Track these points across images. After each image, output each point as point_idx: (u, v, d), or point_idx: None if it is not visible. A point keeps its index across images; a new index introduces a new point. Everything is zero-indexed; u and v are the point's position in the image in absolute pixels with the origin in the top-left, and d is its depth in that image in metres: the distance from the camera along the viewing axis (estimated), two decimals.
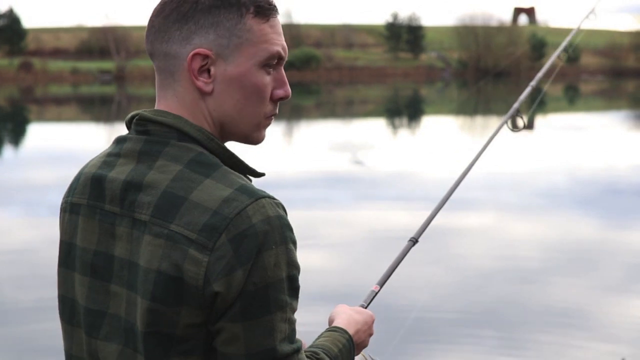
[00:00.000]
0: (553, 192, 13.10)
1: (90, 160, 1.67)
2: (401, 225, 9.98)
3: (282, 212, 1.48)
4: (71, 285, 1.61)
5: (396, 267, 2.29)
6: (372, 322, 1.89)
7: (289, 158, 17.70)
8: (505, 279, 8.05)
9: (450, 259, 8.75)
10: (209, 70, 1.55)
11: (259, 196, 1.46)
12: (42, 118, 34.23)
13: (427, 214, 2.52)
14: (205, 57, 1.53)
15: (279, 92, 1.63)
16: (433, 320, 6.78)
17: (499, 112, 36.65)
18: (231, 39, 1.54)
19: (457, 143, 21.51)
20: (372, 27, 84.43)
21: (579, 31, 3.03)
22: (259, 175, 1.62)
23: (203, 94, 1.56)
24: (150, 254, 1.46)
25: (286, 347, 1.46)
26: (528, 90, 3.06)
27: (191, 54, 1.53)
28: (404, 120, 31.74)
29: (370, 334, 1.88)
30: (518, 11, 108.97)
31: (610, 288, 7.77)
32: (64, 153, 17.88)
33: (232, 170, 1.53)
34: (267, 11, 1.57)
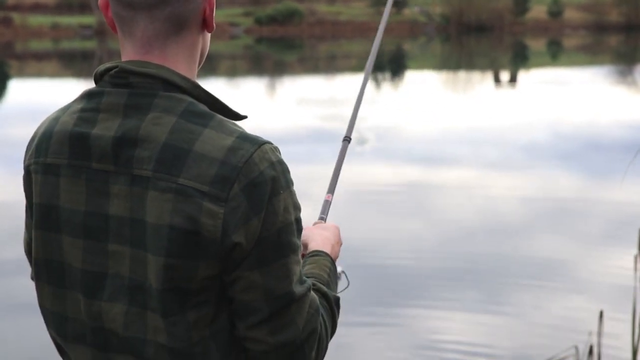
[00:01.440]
0: (535, 147, 13.15)
1: (55, 117, 1.62)
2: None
3: (281, 157, 1.52)
4: (57, 248, 1.57)
5: (340, 170, 2.25)
6: (339, 233, 1.93)
7: (271, 113, 17.65)
8: (485, 233, 8.11)
9: (431, 214, 8.80)
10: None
11: (261, 142, 1.49)
12: (22, 74, 33.93)
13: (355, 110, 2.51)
14: None
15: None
16: (413, 275, 6.84)
17: (482, 67, 36.63)
18: None
19: (440, 98, 21.51)
20: None
21: None
22: (241, 117, 1.62)
23: (203, 31, 1.61)
24: (158, 210, 1.44)
25: (301, 288, 1.51)
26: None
27: None
28: (387, 75, 31.65)
29: (340, 244, 1.92)
30: None
31: (590, 242, 7.85)
32: (45, 109, 17.64)
33: (225, 118, 1.53)
34: None
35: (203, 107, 1.52)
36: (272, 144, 1.52)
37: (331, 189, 2.19)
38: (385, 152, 12.84)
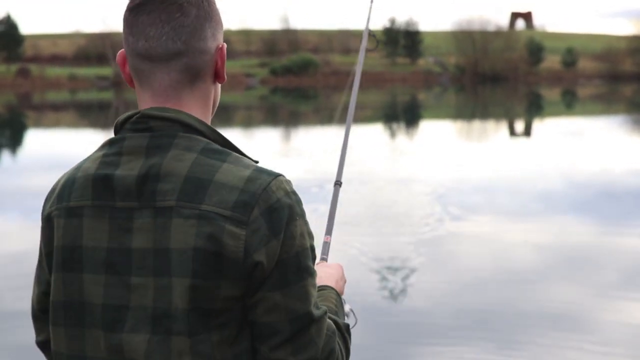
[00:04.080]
0: (550, 197, 13.12)
1: (77, 166, 1.69)
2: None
3: (294, 189, 1.63)
4: (78, 287, 1.60)
5: (334, 212, 2.41)
6: (342, 270, 2.06)
7: (286, 163, 17.70)
8: (501, 282, 8.06)
9: (447, 263, 8.76)
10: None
11: (277, 174, 1.60)
12: (39, 124, 34.23)
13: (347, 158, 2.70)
14: (221, 48, 1.70)
15: None
16: (428, 323, 6.79)
17: (497, 116, 36.71)
18: (222, 33, 1.72)
19: (454, 147, 21.54)
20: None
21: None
22: (255, 162, 1.70)
23: (217, 83, 1.73)
24: (183, 235, 1.52)
25: (318, 311, 1.60)
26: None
27: (219, 47, 1.68)
28: (402, 125, 31.75)
29: (345, 281, 2.04)
30: (515, 16, 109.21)
31: (605, 292, 7.79)
32: (62, 159, 17.87)
33: (241, 155, 1.64)
34: None
35: (221, 147, 1.63)
36: (285, 177, 1.63)
37: (329, 231, 2.34)
38: (397, 201, 12.83)
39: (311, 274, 1.59)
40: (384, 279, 8.14)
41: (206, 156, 1.57)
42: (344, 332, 1.74)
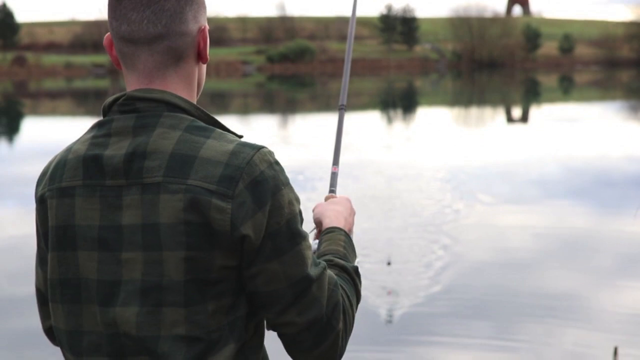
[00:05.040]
0: (546, 183, 13.14)
1: (67, 148, 1.75)
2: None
3: (277, 159, 1.67)
4: (73, 265, 1.66)
5: (341, 140, 2.39)
6: (351, 204, 2.10)
7: (283, 150, 17.71)
8: (497, 268, 8.08)
9: (442, 248, 8.78)
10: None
11: (259, 147, 1.65)
12: (36, 112, 34.20)
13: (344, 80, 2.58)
14: (203, 30, 1.73)
15: None
16: (425, 310, 6.81)
17: (494, 102, 36.70)
18: (205, 15, 1.76)
19: (451, 133, 21.55)
20: (366, 19, 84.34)
21: None
22: (239, 137, 1.74)
23: (201, 63, 1.77)
24: (172, 209, 1.57)
25: (316, 269, 1.66)
26: None
27: (201, 29, 1.72)
28: (399, 111, 31.75)
29: (354, 213, 2.08)
30: (512, 2, 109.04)
31: (601, 277, 7.82)
32: (59, 147, 17.73)
33: (225, 131, 1.69)
34: None
35: (205, 124, 1.68)
36: (268, 148, 1.67)
37: (336, 161, 2.34)
38: (395, 187, 12.84)
39: (304, 237, 1.65)
40: (380, 260, 8.15)
41: (191, 133, 1.62)
42: (353, 275, 1.81)
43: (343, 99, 2.52)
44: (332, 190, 2.25)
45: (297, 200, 1.68)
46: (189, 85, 1.74)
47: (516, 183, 13.19)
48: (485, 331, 6.31)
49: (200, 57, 1.75)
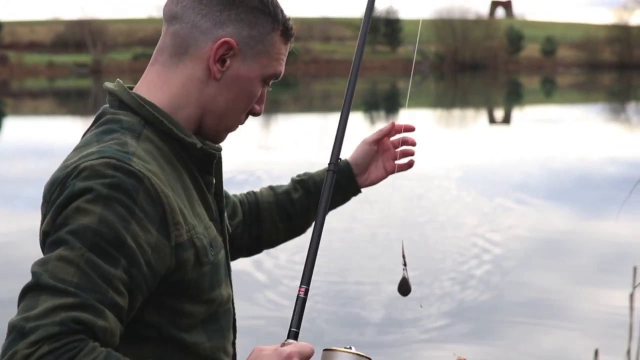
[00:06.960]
0: (528, 184, 13.17)
1: None
2: None
3: (116, 173, 1.47)
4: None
5: (326, 201, 1.80)
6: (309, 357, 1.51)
7: (265, 152, 17.69)
8: (477, 269, 8.09)
9: (421, 251, 8.78)
10: (224, 60, 1.64)
11: (104, 156, 1.49)
12: (18, 112, 33.98)
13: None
14: (230, 48, 1.63)
15: (257, 108, 1.76)
16: (406, 311, 6.82)
17: (477, 104, 36.78)
18: (257, 44, 1.65)
19: (434, 135, 21.58)
20: (349, 20, 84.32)
21: None
22: (190, 143, 1.64)
23: (210, 78, 1.64)
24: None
25: None
26: None
27: (222, 39, 1.62)
28: (381, 113, 31.76)
29: None
30: (495, 4, 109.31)
31: (582, 279, 7.85)
32: (41, 147, 17.77)
33: (124, 137, 1.55)
34: (290, 35, 1.73)
35: (116, 127, 1.58)
36: (115, 160, 1.50)
37: (305, 280, 1.67)
38: (376, 190, 12.84)
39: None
40: (362, 265, 8.15)
41: (95, 135, 1.58)
42: None
43: (335, 158, 1.99)
44: (295, 333, 1.58)
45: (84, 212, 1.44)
46: (182, 92, 1.65)
47: (497, 184, 13.22)
48: (464, 332, 6.33)
49: (209, 69, 1.63)
